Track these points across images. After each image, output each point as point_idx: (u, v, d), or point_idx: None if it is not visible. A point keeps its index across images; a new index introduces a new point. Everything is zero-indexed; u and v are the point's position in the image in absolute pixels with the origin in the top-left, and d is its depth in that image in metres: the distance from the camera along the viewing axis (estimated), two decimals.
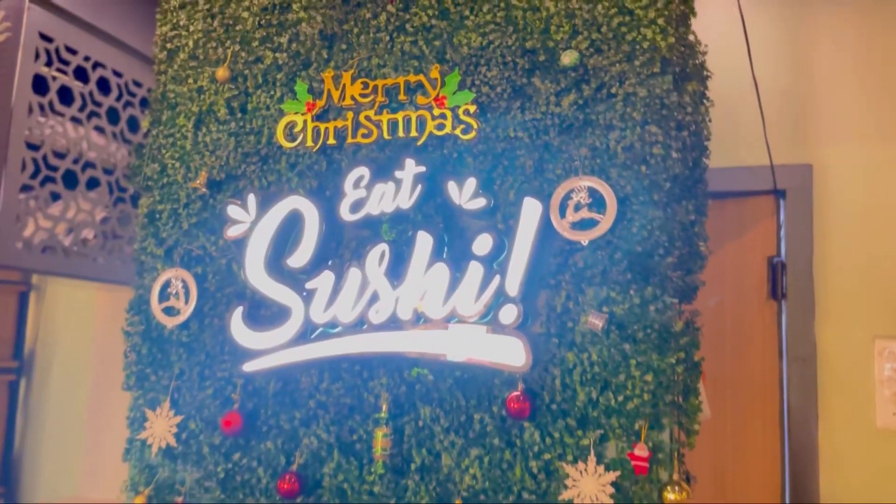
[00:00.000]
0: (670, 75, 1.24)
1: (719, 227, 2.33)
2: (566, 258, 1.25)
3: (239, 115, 1.51)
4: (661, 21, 1.25)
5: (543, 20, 1.32)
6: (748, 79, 2.03)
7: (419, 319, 1.29)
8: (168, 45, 1.60)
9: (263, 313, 1.42)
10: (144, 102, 2.15)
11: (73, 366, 2.77)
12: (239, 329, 1.39)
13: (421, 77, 1.38)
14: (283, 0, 1.51)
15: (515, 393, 1.22)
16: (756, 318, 2.29)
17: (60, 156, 1.93)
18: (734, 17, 1.92)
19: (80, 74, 1.98)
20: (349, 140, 1.41)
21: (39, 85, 1.84)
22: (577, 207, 1.23)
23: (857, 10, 2.23)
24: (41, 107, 1.85)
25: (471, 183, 1.29)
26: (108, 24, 2.02)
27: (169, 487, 1.44)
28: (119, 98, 2.09)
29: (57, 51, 1.88)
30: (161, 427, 1.43)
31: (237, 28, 1.54)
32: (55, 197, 1.95)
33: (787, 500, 2.16)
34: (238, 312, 1.40)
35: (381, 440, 1.28)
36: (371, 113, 1.41)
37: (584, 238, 1.22)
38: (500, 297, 1.24)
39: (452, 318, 1.27)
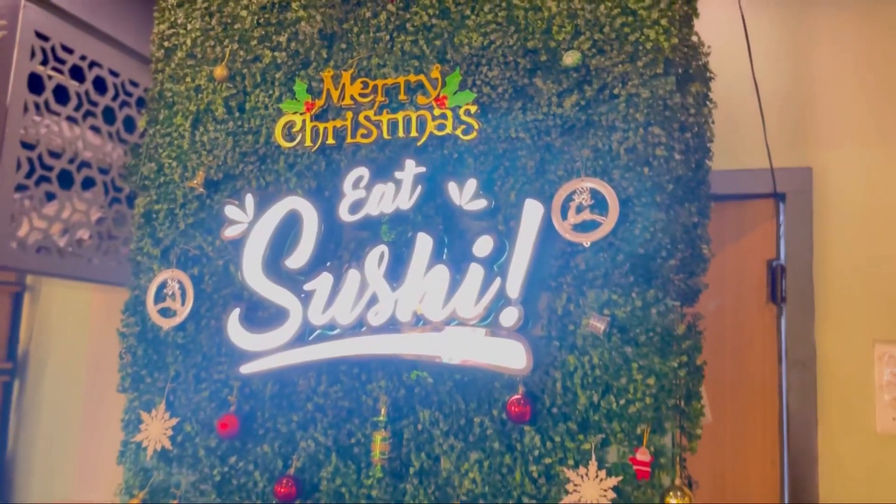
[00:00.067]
0: (673, 76, 1.23)
1: (719, 229, 2.32)
2: (567, 260, 1.23)
3: (237, 114, 1.50)
4: (664, 22, 1.24)
5: (545, 20, 1.31)
6: (748, 81, 2.02)
7: (419, 322, 1.28)
8: (166, 44, 1.59)
9: (261, 315, 1.40)
10: (141, 102, 2.13)
11: (68, 367, 2.74)
12: (236, 331, 1.38)
13: (421, 77, 1.37)
14: None
15: (516, 396, 1.21)
16: (756, 322, 2.28)
17: (56, 155, 1.92)
18: (734, 19, 1.91)
19: (76, 73, 1.96)
20: (348, 140, 1.40)
21: (35, 84, 1.82)
22: (579, 209, 1.22)
23: (858, 12, 2.23)
24: (37, 106, 1.83)
25: (471, 184, 1.28)
26: (104, 22, 2.00)
27: (164, 491, 1.42)
28: (115, 97, 2.07)
29: (53, 49, 1.86)
30: (156, 429, 1.42)
31: (236, 26, 1.53)
32: (50, 197, 1.94)
33: None
34: (235, 314, 1.39)
35: (379, 444, 1.27)
36: (371, 113, 1.39)
37: (586, 240, 1.21)
38: (501, 300, 1.23)
39: (452, 320, 1.25)
